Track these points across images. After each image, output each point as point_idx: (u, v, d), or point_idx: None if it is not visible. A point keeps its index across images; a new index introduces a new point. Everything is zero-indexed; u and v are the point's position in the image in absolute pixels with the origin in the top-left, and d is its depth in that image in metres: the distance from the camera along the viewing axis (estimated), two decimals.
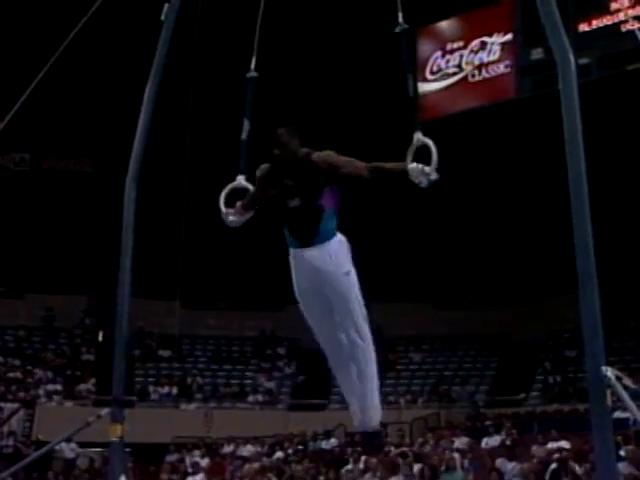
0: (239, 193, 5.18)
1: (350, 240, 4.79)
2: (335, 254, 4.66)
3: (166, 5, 6.68)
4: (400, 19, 5.06)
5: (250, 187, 5.12)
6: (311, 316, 4.79)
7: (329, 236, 4.67)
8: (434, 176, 4.46)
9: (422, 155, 4.61)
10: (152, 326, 26.36)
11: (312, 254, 4.65)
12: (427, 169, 4.47)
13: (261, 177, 4.88)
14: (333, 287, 4.64)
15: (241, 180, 5.18)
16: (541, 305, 26.87)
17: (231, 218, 5.03)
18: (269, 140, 4.65)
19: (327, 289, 4.65)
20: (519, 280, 27.00)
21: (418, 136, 4.67)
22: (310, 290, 4.70)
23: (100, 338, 26.48)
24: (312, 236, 4.64)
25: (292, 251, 4.76)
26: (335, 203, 4.70)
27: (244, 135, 5.21)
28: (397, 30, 5.06)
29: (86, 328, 27.41)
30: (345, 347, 4.73)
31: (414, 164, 4.51)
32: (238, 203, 5.07)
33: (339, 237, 4.72)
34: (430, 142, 4.59)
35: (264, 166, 4.85)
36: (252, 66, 5.52)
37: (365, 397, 4.80)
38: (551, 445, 14.25)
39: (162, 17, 6.65)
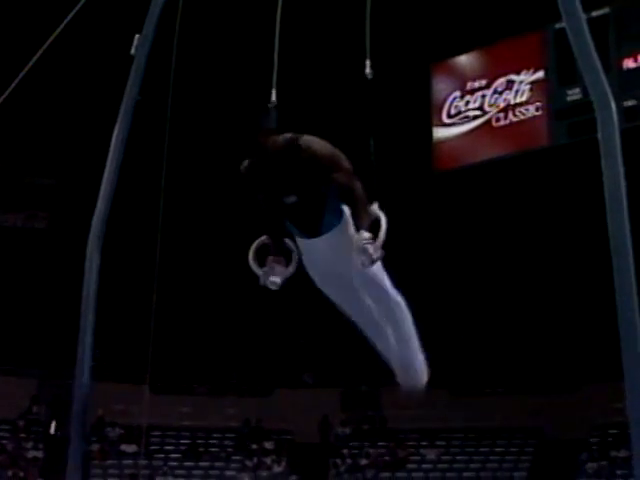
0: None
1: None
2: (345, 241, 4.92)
3: (136, 37, 6.75)
4: (368, 66, 5.28)
5: None
6: (329, 289, 5.17)
7: (335, 222, 4.98)
8: (377, 255, 4.66)
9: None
10: (114, 415, 26.14)
11: (323, 245, 5.01)
12: (371, 248, 4.64)
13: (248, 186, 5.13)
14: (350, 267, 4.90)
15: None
16: (580, 393, 26.67)
17: (272, 279, 5.11)
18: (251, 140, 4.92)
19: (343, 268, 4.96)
20: (553, 363, 26.87)
21: (374, 208, 4.90)
22: (326, 271, 5.09)
23: (51, 430, 26.25)
24: (318, 228, 4.99)
25: (299, 240, 5.15)
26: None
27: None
28: (368, 76, 5.29)
29: (34, 418, 27.16)
30: (372, 309, 5.15)
31: (365, 234, 4.68)
32: (270, 258, 5.19)
33: (345, 217, 5.00)
34: (382, 216, 4.84)
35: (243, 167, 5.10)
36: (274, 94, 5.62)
37: (405, 358, 5.24)
38: None
39: (132, 51, 6.72)
